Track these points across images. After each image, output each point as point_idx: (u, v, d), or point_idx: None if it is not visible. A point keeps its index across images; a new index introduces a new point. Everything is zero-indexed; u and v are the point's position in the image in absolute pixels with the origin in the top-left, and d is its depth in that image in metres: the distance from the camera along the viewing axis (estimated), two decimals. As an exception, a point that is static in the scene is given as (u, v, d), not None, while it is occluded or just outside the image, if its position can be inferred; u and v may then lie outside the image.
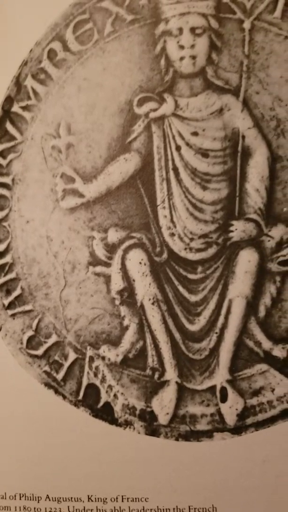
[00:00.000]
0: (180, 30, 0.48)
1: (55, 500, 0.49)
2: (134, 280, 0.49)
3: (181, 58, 0.48)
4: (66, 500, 0.49)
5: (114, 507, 0.48)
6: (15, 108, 0.52)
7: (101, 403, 0.49)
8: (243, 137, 0.48)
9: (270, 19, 0.48)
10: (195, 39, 0.48)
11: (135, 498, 0.48)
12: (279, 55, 0.48)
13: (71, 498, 0.49)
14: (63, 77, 0.51)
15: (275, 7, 0.48)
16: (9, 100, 0.53)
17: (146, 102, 0.48)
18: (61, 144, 0.50)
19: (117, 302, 0.49)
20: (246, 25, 0.48)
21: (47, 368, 0.50)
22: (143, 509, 0.48)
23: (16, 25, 0.54)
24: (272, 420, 0.47)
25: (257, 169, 0.47)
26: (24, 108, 0.52)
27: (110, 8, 0.50)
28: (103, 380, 0.48)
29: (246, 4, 0.48)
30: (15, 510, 0.49)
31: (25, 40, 0.53)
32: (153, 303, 0.48)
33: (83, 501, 0.48)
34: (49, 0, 0.53)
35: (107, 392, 0.48)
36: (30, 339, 0.50)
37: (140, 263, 0.49)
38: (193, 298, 0.48)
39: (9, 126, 0.52)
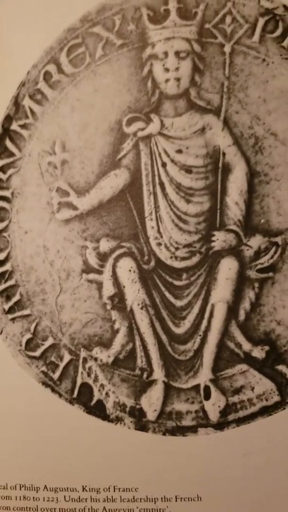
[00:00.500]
0: (166, 53, 0.52)
1: (52, 490, 0.53)
2: (124, 287, 0.53)
3: (167, 80, 0.52)
4: (62, 490, 0.53)
5: (107, 497, 0.52)
6: (14, 126, 0.56)
7: (94, 401, 0.53)
8: (224, 154, 0.52)
9: (249, 43, 0.52)
10: (180, 62, 0.52)
11: (126, 488, 0.52)
12: (257, 76, 0.52)
13: (67, 488, 0.53)
14: (58, 97, 0.55)
15: (253, 32, 0.52)
16: (8, 118, 0.57)
17: (134, 122, 0.53)
18: (57, 160, 0.54)
19: (108, 307, 0.53)
20: (227, 49, 0.52)
21: (44, 368, 0.54)
22: (133, 498, 0.52)
23: (14, 48, 0.58)
24: (252, 417, 0.51)
25: (236, 184, 0.51)
26: (22, 126, 0.56)
27: (101, 33, 0.54)
28: (96, 379, 0.53)
29: (226, 29, 0.52)
30: (16, 499, 0.53)
31: (23, 62, 0.57)
32: (141, 308, 0.52)
33: (78, 491, 0.52)
34: (45, 25, 0.57)
35: (99, 390, 0.53)
36: (28, 342, 0.54)
37: (130, 270, 0.53)
38: (178, 303, 0.52)
39: (8, 143, 0.56)
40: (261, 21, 0.51)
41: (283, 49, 0.51)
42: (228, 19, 0.52)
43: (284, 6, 0.51)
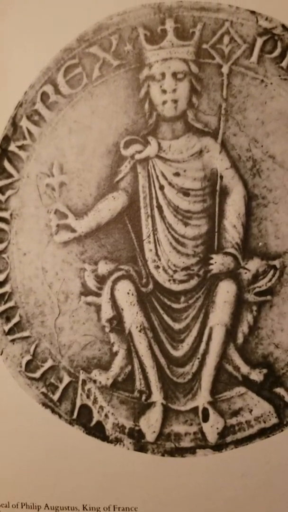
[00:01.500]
0: (163, 75, 0.53)
1: (53, 509, 0.55)
2: (122, 309, 0.54)
3: (164, 102, 0.53)
4: (63, 509, 0.55)
5: None
6: (12, 147, 0.58)
7: (93, 422, 0.54)
8: (221, 177, 0.52)
9: (247, 64, 0.52)
10: (177, 83, 0.53)
11: (126, 508, 0.54)
12: (255, 98, 0.52)
13: (68, 507, 0.55)
14: (55, 119, 0.56)
15: (251, 53, 0.52)
16: (6, 139, 0.58)
17: (132, 145, 0.53)
18: (55, 182, 0.56)
19: (107, 329, 0.54)
20: (225, 69, 0.52)
21: (44, 389, 0.56)
22: None
23: (11, 67, 0.59)
24: (250, 438, 0.52)
25: (234, 207, 0.52)
26: (20, 147, 0.57)
27: (98, 54, 0.55)
28: (95, 401, 0.54)
29: (224, 49, 0.53)
30: (17, 517, 0.56)
31: (20, 82, 0.58)
32: (140, 331, 0.54)
33: (79, 510, 0.54)
34: (42, 44, 0.57)
35: (98, 412, 0.54)
36: (28, 363, 0.56)
37: (128, 293, 0.54)
38: (176, 326, 0.54)
39: (7, 164, 0.58)
40: (259, 41, 0.52)
41: (282, 69, 0.52)
42: (226, 39, 0.52)
43: (283, 25, 0.52)
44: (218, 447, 0.52)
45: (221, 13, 0.52)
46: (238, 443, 0.52)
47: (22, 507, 0.55)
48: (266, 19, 0.52)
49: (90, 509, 0.54)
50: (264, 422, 0.52)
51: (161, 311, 0.54)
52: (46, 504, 0.55)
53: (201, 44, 0.53)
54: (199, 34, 0.53)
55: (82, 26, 0.56)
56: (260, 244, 0.52)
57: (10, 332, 0.56)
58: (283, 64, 0.52)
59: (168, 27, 0.53)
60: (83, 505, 0.54)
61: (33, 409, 0.56)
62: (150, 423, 0.53)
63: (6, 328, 0.57)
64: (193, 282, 0.53)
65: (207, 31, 0.53)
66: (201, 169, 0.52)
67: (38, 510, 0.55)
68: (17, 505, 0.55)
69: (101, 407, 0.54)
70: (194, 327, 0.53)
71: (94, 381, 0.54)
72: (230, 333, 0.52)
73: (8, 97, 0.58)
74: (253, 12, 0.52)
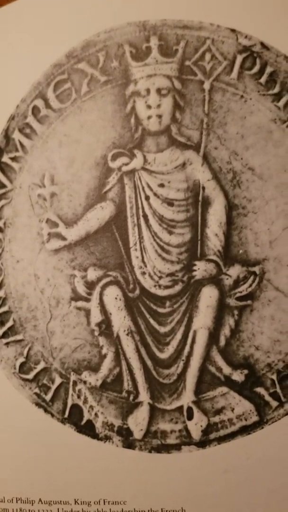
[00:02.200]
0: (148, 90, 0.56)
1: (47, 503, 0.58)
2: (110, 314, 0.58)
3: (149, 117, 0.56)
4: (56, 503, 0.58)
5: (97, 509, 0.57)
6: (5, 158, 0.61)
7: (84, 421, 0.58)
8: (203, 188, 0.56)
9: (227, 80, 0.56)
10: (161, 99, 0.56)
11: (115, 501, 0.57)
12: (235, 113, 0.56)
13: (60, 501, 0.58)
14: (46, 132, 0.60)
15: (231, 69, 0.56)
16: (-1, 151, 0.62)
17: (119, 157, 0.57)
18: (46, 193, 0.59)
19: (96, 333, 0.58)
20: (206, 86, 0.56)
21: (37, 390, 0.59)
22: (122, 511, 0.57)
23: (3, 81, 0.62)
24: (232, 435, 0.56)
25: (215, 216, 0.56)
26: (13, 159, 0.61)
27: (86, 70, 0.59)
28: (85, 401, 0.58)
29: (206, 66, 0.56)
30: (12, 511, 0.59)
31: (12, 96, 0.61)
32: (127, 334, 0.57)
33: (71, 504, 0.58)
34: (33, 60, 0.61)
35: (89, 411, 0.58)
36: (22, 365, 0.59)
37: (116, 298, 0.58)
38: (162, 329, 0.57)
39: (0, 175, 0.61)
40: (239, 58, 0.55)
41: (261, 85, 0.55)
42: (208, 56, 0.56)
43: (262, 43, 0.55)
44: (202, 443, 0.56)
45: (203, 31, 0.56)
46: (221, 440, 0.56)
47: (17, 502, 0.59)
48: (246, 37, 0.55)
49: (81, 503, 0.58)
50: (245, 420, 0.55)
51: (148, 315, 0.57)
52: (40, 499, 0.58)
53: (184, 61, 0.56)
54: (182, 51, 0.56)
55: (71, 43, 0.59)
56: (241, 251, 0.55)
57: (4, 335, 0.60)
58: (262, 80, 0.55)
59: (153, 45, 0.56)
60: (75, 499, 0.58)
61: (27, 408, 0.59)
62: (138, 422, 0.56)
63: (1, 332, 0.60)
64: (178, 287, 0.57)
65: (189, 48, 0.56)
66: (184, 181, 0.56)
67: (32, 505, 0.59)
68: (12, 500, 0.59)
69: (91, 407, 0.58)
70: (178, 331, 0.57)
71: (84, 382, 0.57)
72: (213, 336, 0.56)
73: (0, 111, 0.62)
74: (233, 30, 0.55)
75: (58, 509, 0.58)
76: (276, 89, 0.54)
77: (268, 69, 0.54)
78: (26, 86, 0.60)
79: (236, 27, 0.55)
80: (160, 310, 0.57)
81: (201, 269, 0.55)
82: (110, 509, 0.57)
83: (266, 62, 0.54)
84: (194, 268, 0.56)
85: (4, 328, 0.60)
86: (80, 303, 0.58)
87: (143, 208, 0.57)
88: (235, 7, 0.55)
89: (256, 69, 0.55)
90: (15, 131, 0.60)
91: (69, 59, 0.58)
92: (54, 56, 0.59)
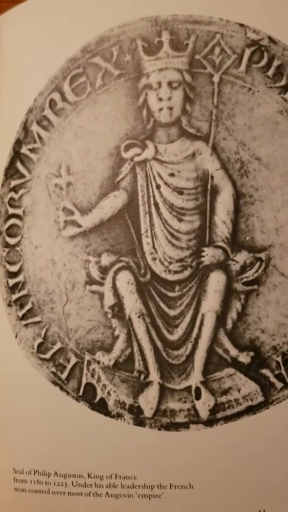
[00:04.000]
0: (159, 84, 0.61)
1: (62, 476, 0.63)
2: (123, 297, 0.63)
3: (160, 109, 0.61)
4: (70, 476, 0.63)
5: (109, 483, 0.62)
6: (24, 150, 0.67)
7: (97, 399, 0.63)
8: (212, 177, 0.60)
9: (236, 73, 0.60)
10: (172, 92, 0.61)
11: (126, 476, 0.61)
12: (243, 104, 0.60)
13: (75, 474, 0.62)
14: (62, 124, 0.65)
15: (240, 63, 0.60)
16: (18, 142, 0.67)
17: (131, 148, 0.62)
18: (62, 182, 0.64)
19: (109, 315, 0.63)
20: (216, 79, 0.60)
21: (53, 369, 0.65)
22: (133, 485, 0.61)
23: (22, 76, 0.67)
24: (238, 415, 0.60)
25: (223, 204, 0.60)
26: (31, 150, 0.66)
27: (100, 64, 0.64)
28: (99, 380, 0.63)
29: (215, 60, 0.60)
30: (30, 483, 0.64)
31: (30, 89, 0.67)
32: (139, 317, 0.62)
33: (84, 477, 0.62)
34: (50, 55, 0.66)
35: (102, 390, 0.63)
36: (39, 345, 0.65)
37: (128, 282, 0.63)
38: (172, 313, 0.62)
39: (19, 166, 0.67)
40: (247, 52, 0.59)
41: (268, 78, 0.59)
42: (217, 50, 0.60)
43: (269, 37, 0.59)
44: (209, 422, 0.60)
45: (213, 26, 0.60)
46: (228, 419, 0.60)
47: (34, 474, 0.64)
48: (254, 31, 0.59)
49: (94, 477, 0.62)
50: (251, 400, 0.60)
51: (158, 299, 0.62)
52: (56, 472, 0.63)
53: (194, 55, 0.60)
54: (192, 45, 0.60)
55: (86, 38, 0.64)
56: (248, 238, 0.60)
57: (23, 317, 0.66)
58: (269, 73, 0.59)
59: (164, 39, 0.61)
60: (88, 473, 0.62)
61: (44, 386, 0.64)
62: (148, 400, 0.61)
63: (20, 314, 0.66)
64: (187, 272, 0.61)
65: (199, 42, 0.60)
66: (193, 170, 0.60)
67: (49, 477, 0.64)
68: (30, 471, 0.64)
69: (104, 385, 0.63)
70: (187, 314, 0.61)
71: (98, 362, 0.63)
72: (220, 319, 0.60)
73: (19, 104, 0.67)
74: (242, 25, 0.60)
75: (72, 482, 0.63)
76: (283, 82, 0.58)
77: (276, 63, 0.58)
78: (43, 80, 0.65)
79: (244, 22, 0.59)
80: (170, 294, 0.61)
81: (209, 255, 0.60)
82: (121, 483, 0.61)
83: (274, 55, 0.58)
84: (203, 254, 0.60)
85: (23, 311, 0.65)
86: (94, 287, 0.63)
87: (154, 196, 0.61)
88: (243, 2, 0.59)
89: (263, 62, 0.59)
90: (33, 123, 0.65)
91: (84, 54, 0.63)
92: (70, 51, 0.64)
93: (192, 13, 0.59)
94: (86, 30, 0.63)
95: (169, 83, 0.59)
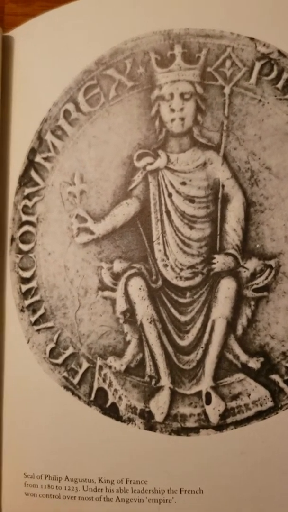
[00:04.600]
0: (171, 95, 0.63)
1: (73, 480, 0.64)
2: (135, 303, 0.64)
3: (172, 120, 0.63)
4: (81, 481, 0.64)
5: (120, 488, 0.63)
6: (38, 158, 0.69)
7: (108, 403, 0.64)
8: (223, 186, 0.62)
9: (246, 85, 0.62)
10: (184, 103, 0.63)
11: (137, 481, 0.62)
12: (253, 116, 0.62)
13: (85, 479, 0.63)
14: (76, 134, 0.67)
15: (250, 75, 0.62)
16: (33, 151, 0.69)
17: (144, 157, 0.64)
18: (76, 190, 0.66)
19: (121, 321, 0.64)
20: (226, 90, 0.62)
21: (65, 374, 0.66)
22: (143, 490, 0.62)
23: (37, 87, 0.70)
24: (248, 420, 0.61)
25: (234, 213, 0.62)
26: (45, 159, 0.68)
27: (114, 76, 0.66)
28: (110, 385, 0.65)
29: (226, 72, 0.63)
30: (41, 487, 0.65)
31: (45, 100, 0.69)
32: (150, 322, 0.64)
33: (95, 482, 0.63)
34: (64, 67, 0.68)
35: (113, 394, 0.64)
36: (52, 350, 0.66)
37: (140, 288, 0.64)
38: (183, 318, 0.64)
39: (33, 174, 0.69)
40: (257, 65, 0.62)
41: (278, 90, 0.61)
42: (228, 63, 0.62)
43: (279, 51, 0.61)
44: (219, 427, 0.61)
45: (224, 39, 0.62)
46: (238, 424, 0.61)
47: (45, 478, 0.65)
48: (264, 45, 0.61)
49: (105, 481, 0.63)
50: (261, 405, 0.61)
51: (169, 305, 0.63)
52: (66, 476, 0.64)
53: (205, 68, 0.63)
54: (204, 58, 0.63)
55: (100, 50, 0.67)
56: (258, 245, 0.61)
57: (36, 323, 0.67)
58: (279, 85, 0.61)
59: (177, 52, 0.63)
60: (99, 478, 0.63)
61: (56, 391, 0.65)
62: (159, 405, 0.62)
63: (33, 319, 0.67)
64: (198, 279, 0.63)
65: (211, 55, 0.62)
66: (205, 179, 0.62)
67: (59, 481, 0.65)
68: (41, 476, 0.65)
69: (116, 390, 0.64)
70: (198, 320, 0.63)
71: (110, 367, 0.64)
72: (231, 325, 0.62)
73: (34, 114, 0.69)
74: (252, 39, 0.62)
75: (83, 486, 0.64)
76: (292, 94, 0.60)
77: (285, 75, 0.60)
78: (58, 91, 0.68)
79: (255, 35, 0.61)
80: (181, 300, 0.63)
81: (220, 262, 0.61)
82: (131, 488, 0.62)
83: (283, 68, 0.60)
84: (214, 261, 0.62)
85: (36, 316, 0.67)
86: (106, 293, 0.64)
87: (166, 204, 0.63)
88: (254, 17, 0.61)
89: (273, 75, 0.61)
90: (47, 133, 0.67)
91: (98, 66, 0.66)
92: (84, 63, 0.67)
93: (204, 27, 0.62)
94: (100, 43, 0.65)
95: (181, 95, 0.62)
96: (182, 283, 0.62)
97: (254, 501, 0.60)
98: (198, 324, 0.62)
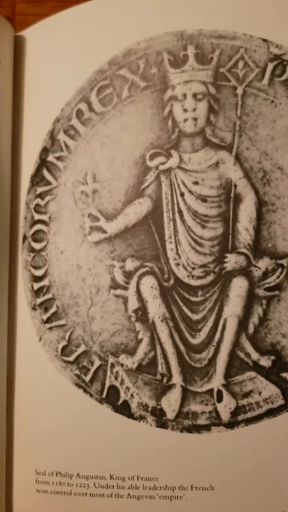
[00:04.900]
0: (184, 95, 0.64)
1: (84, 477, 0.64)
2: (146, 301, 0.65)
3: (185, 120, 0.64)
4: (92, 478, 0.64)
5: (131, 485, 0.63)
6: (50, 158, 0.69)
7: (120, 401, 0.64)
8: (235, 185, 0.63)
9: (259, 86, 0.63)
10: (197, 103, 0.64)
11: (148, 478, 0.63)
12: (266, 116, 0.63)
13: (97, 476, 0.64)
14: (89, 133, 0.67)
15: (263, 76, 0.63)
16: (45, 150, 0.70)
17: (156, 157, 0.64)
18: (88, 189, 0.67)
19: (133, 319, 0.65)
20: (239, 91, 0.63)
21: (77, 371, 0.66)
22: (154, 487, 0.63)
23: (49, 86, 0.70)
24: (259, 417, 0.62)
25: (246, 212, 0.63)
26: (58, 158, 0.69)
27: (127, 76, 0.66)
28: (122, 382, 0.65)
29: (239, 73, 0.63)
30: (52, 484, 0.66)
31: (57, 100, 0.70)
32: (162, 321, 0.65)
33: (106, 479, 0.64)
34: (77, 67, 0.69)
35: (125, 392, 0.65)
36: (63, 348, 0.67)
37: (152, 287, 0.65)
38: (194, 317, 0.64)
39: (46, 173, 0.69)
40: (270, 66, 0.62)
41: (290, 91, 0.62)
42: (241, 64, 0.63)
43: (291, 52, 0.62)
44: (230, 424, 0.62)
45: (237, 40, 0.63)
46: (249, 421, 0.62)
47: (56, 475, 0.66)
48: (277, 46, 0.62)
49: (116, 478, 0.64)
50: (272, 403, 0.62)
51: (181, 304, 0.64)
52: (78, 473, 0.65)
53: (218, 68, 0.63)
54: (217, 59, 0.63)
55: (113, 51, 0.67)
56: (270, 245, 0.62)
57: (48, 321, 0.68)
58: (291, 86, 0.62)
59: (190, 53, 0.64)
60: (110, 475, 0.64)
61: (67, 389, 0.66)
62: (171, 403, 0.63)
63: (45, 317, 0.68)
64: (210, 278, 0.63)
65: (224, 56, 0.63)
66: (217, 179, 0.63)
67: (71, 478, 0.65)
68: (52, 473, 0.66)
69: (127, 388, 0.65)
70: (210, 318, 0.63)
71: (122, 365, 0.65)
72: (242, 324, 0.62)
73: (46, 113, 0.70)
74: (265, 40, 0.62)
75: (94, 483, 0.64)
76: (305, 95, 0.61)
77: (297, 76, 0.61)
78: (70, 91, 0.68)
79: (267, 37, 0.62)
80: (193, 298, 0.63)
81: (232, 261, 0.62)
82: (143, 485, 0.63)
83: (296, 69, 0.61)
84: (226, 260, 0.62)
85: (48, 314, 0.67)
86: (118, 291, 0.65)
87: (178, 204, 0.64)
88: (267, 18, 0.62)
89: (286, 76, 0.62)
90: (60, 132, 0.68)
91: (111, 66, 0.66)
92: (97, 63, 0.67)
93: (217, 28, 0.62)
94: (113, 43, 0.66)
95: (194, 95, 0.62)
96: (194, 282, 0.63)
97: (265, 498, 0.61)
98: (210, 323, 0.63)
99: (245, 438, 0.61)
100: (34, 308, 0.67)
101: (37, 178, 0.68)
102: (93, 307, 0.65)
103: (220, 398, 0.62)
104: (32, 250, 0.68)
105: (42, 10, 0.80)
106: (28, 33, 0.72)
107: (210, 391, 0.62)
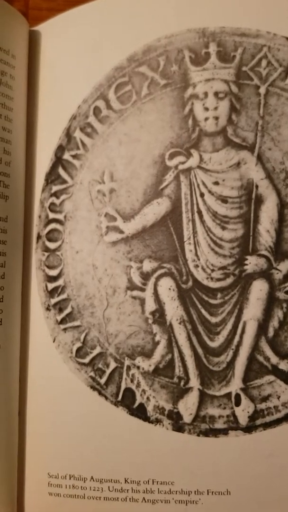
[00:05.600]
0: (206, 94, 0.63)
1: (98, 481, 0.64)
2: (164, 303, 0.64)
3: (206, 119, 0.63)
4: (107, 481, 0.63)
5: (146, 488, 0.63)
6: (66, 156, 0.68)
7: (136, 404, 0.64)
8: (257, 186, 0.62)
9: (282, 85, 0.62)
10: (218, 102, 0.62)
11: (163, 482, 0.62)
12: (289, 116, 0.62)
13: (111, 479, 0.63)
14: (107, 131, 0.66)
15: (286, 75, 0.62)
16: (61, 148, 0.68)
17: (176, 156, 0.63)
18: (105, 189, 0.66)
19: (150, 321, 0.64)
20: (262, 90, 0.62)
21: (92, 374, 0.66)
22: (170, 491, 0.62)
23: (66, 84, 0.69)
24: (277, 422, 0.61)
25: (268, 214, 0.62)
26: (74, 156, 0.68)
27: (146, 73, 0.65)
28: (138, 385, 0.64)
29: (262, 72, 0.62)
30: (66, 487, 0.65)
31: (74, 97, 0.68)
32: (180, 323, 0.64)
33: (121, 483, 0.63)
34: (95, 63, 0.67)
35: (141, 395, 0.64)
36: (78, 350, 0.66)
37: (170, 289, 0.64)
38: (213, 320, 0.63)
39: (61, 171, 0.68)
40: (293, 65, 0.61)
41: (314, 91, 0.61)
42: (264, 63, 0.62)
43: (315, 51, 0.61)
44: (248, 429, 0.61)
45: (260, 38, 0.62)
46: (267, 426, 0.61)
47: (70, 479, 0.65)
48: (301, 45, 0.61)
49: (131, 482, 0.63)
50: (291, 407, 0.61)
51: (199, 306, 0.63)
52: (92, 477, 0.64)
53: (241, 67, 0.62)
54: (240, 57, 0.62)
55: (132, 47, 0.66)
56: (291, 247, 0.61)
57: (62, 321, 0.67)
58: (315, 86, 0.61)
59: (212, 50, 0.63)
60: (125, 478, 0.63)
61: (82, 391, 0.65)
62: (188, 406, 0.62)
63: (59, 318, 0.67)
64: (229, 280, 0.62)
65: (246, 55, 0.62)
66: (238, 179, 0.62)
67: (84, 482, 0.65)
68: (65, 476, 0.65)
69: (144, 391, 0.64)
70: (229, 321, 0.63)
71: (138, 367, 0.64)
72: (262, 327, 0.61)
73: (62, 110, 0.68)
74: (288, 39, 0.61)
75: (108, 487, 0.63)
76: None
77: None
78: (88, 88, 0.67)
79: (291, 35, 0.61)
80: (212, 301, 0.62)
81: (252, 263, 0.61)
82: (158, 489, 0.62)
83: None
84: (246, 262, 0.61)
85: (63, 315, 0.66)
86: (135, 293, 0.64)
87: (197, 204, 0.63)
88: (291, 16, 0.60)
89: (309, 75, 0.60)
90: (76, 130, 0.67)
91: (130, 63, 0.65)
92: (116, 59, 0.66)
93: (240, 26, 0.61)
94: (132, 40, 0.65)
95: (216, 94, 0.61)
96: (213, 284, 0.62)
97: (282, 503, 0.60)
98: (229, 326, 0.62)
99: (263, 443, 0.61)
100: (48, 309, 0.66)
101: (52, 176, 0.67)
102: (109, 308, 0.64)
103: (238, 402, 0.61)
104: (46, 249, 0.66)
105: (56, 4, 0.79)
106: (43, 28, 0.71)
107: (228, 395, 0.62)
